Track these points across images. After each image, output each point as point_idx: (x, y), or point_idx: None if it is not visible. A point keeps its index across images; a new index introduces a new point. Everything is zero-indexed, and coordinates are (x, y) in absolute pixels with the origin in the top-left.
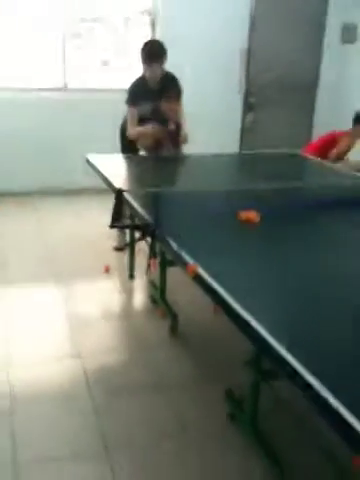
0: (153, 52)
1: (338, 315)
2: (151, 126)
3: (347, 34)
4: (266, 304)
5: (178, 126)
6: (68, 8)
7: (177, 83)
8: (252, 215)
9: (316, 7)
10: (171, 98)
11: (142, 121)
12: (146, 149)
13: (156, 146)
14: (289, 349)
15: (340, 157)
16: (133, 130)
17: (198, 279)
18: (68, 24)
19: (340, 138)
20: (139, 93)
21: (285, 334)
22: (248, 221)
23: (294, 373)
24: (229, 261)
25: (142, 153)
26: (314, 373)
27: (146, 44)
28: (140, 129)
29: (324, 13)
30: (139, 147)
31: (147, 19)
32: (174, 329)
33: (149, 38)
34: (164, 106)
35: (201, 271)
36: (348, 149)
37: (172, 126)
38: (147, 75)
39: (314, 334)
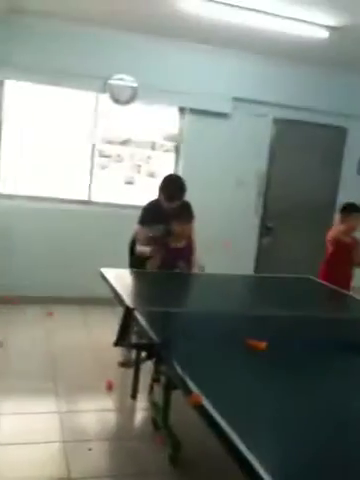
0: (174, 193)
1: (349, 463)
2: (150, 249)
3: None
4: (271, 446)
5: (191, 247)
6: (98, 131)
7: (190, 208)
8: (260, 345)
9: (334, 139)
10: (183, 220)
11: (155, 241)
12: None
13: (169, 266)
14: None
15: (343, 258)
16: (140, 248)
17: (200, 410)
18: (97, 144)
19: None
20: (152, 215)
21: None
22: (255, 348)
23: None
24: (234, 393)
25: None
26: None
27: (168, 182)
28: (142, 249)
29: (342, 145)
30: (149, 268)
31: (171, 144)
32: (175, 459)
33: (173, 162)
34: (176, 228)
35: (205, 403)
36: (347, 246)
37: (182, 244)
38: (164, 205)
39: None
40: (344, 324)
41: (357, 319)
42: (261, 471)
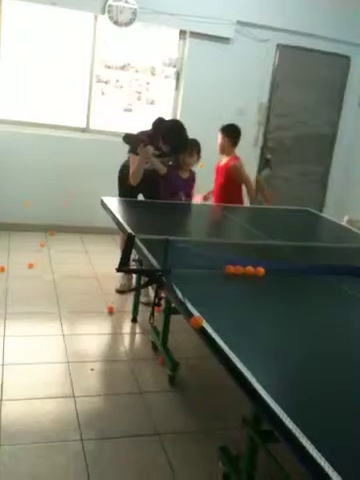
0: (177, 145)
1: (341, 378)
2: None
3: None
4: (267, 363)
5: (193, 179)
6: (96, 55)
7: (199, 147)
8: (259, 270)
9: (337, 68)
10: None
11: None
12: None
13: (171, 196)
14: (288, 413)
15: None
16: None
17: (202, 332)
18: (95, 69)
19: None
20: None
21: (286, 397)
22: (256, 274)
23: (291, 439)
24: (234, 316)
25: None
26: (311, 439)
27: (174, 130)
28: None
29: (345, 74)
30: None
31: (172, 70)
32: (173, 378)
33: (173, 89)
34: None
35: (205, 324)
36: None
37: (185, 175)
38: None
39: (316, 398)
40: (339, 252)
41: (353, 248)
42: (256, 384)
